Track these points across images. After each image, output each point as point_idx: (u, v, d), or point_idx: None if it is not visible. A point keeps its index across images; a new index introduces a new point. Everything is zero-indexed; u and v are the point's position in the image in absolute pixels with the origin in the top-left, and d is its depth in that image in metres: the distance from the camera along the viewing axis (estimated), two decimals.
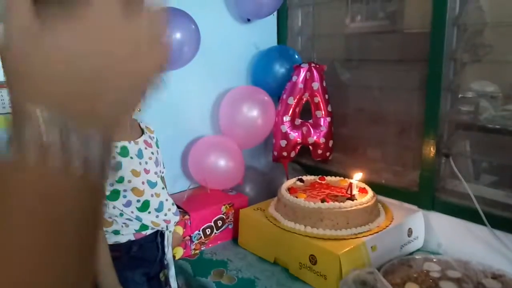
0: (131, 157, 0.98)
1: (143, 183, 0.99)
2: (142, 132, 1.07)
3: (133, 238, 0.99)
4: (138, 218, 0.99)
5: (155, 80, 0.32)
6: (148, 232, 1.01)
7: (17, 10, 0.29)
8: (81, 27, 0.28)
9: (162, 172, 1.13)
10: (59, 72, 0.28)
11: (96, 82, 0.29)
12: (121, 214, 0.97)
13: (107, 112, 0.31)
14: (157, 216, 1.03)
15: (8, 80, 0.29)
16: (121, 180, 0.95)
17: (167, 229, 1.06)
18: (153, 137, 1.12)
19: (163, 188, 1.07)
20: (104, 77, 0.30)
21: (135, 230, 0.99)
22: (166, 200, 1.06)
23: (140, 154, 1.00)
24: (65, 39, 0.28)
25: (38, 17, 0.28)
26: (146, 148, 1.03)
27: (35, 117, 0.27)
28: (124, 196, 0.97)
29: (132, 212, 0.97)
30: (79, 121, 0.28)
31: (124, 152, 0.97)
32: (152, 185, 1.02)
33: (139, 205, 0.98)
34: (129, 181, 0.96)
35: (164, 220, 1.05)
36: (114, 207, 0.96)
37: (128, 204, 0.97)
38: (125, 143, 0.98)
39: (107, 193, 0.96)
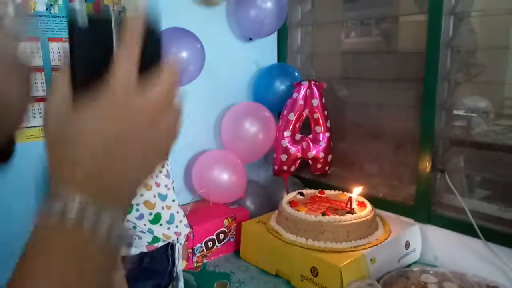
0: None
1: (154, 196, 1.02)
2: None
3: (145, 250, 1.02)
4: (150, 231, 1.01)
5: (173, 143, 0.38)
6: (160, 244, 1.04)
7: (57, 97, 0.34)
8: (105, 108, 0.33)
9: (173, 183, 1.15)
10: (90, 153, 0.33)
11: (120, 158, 0.34)
12: (134, 227, 1.00)
13: (131, 188, 0.36)
14: (168, 228, 1.05)
15: (49, 162, 0.34)
16: None
17: (178, 241, 1.08)
18: None
19: (173, 201, 1.09)
20: (129, 153, 0.34)
21: (147, 242, 1.02)
22: (177, 212, 1.09)
23: None
24: (93, 121, 0.33)
25: (73, 102, 0.34)
26: None
27: (72, 199, 0.32)
28: (137, 210, 1.00)
29: (144, 224, 1.00)
30: (108, 201, 0.33)
31: None
32: (163, 197, 1.05)
33: (151, 217, 1.01)
34: (141, 195, 1.00)
35: (175, 233, 1.07)
36: (128, 221, 0.99)
37: (140, 217, 1.00)
38: None
39: None
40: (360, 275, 1.09)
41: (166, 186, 1.07)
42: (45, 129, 0.35)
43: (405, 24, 1.47)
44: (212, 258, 1.35)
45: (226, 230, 1.37)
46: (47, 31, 1.15)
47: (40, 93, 1.15)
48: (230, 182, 1.42)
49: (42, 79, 1.16)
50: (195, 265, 1.31)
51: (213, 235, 1.34)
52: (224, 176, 1.41)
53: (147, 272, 1.02)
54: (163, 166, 1.01)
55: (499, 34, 1.24)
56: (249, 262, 1.32)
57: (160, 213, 1.03)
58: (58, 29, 1.17)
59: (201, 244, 1.31)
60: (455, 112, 1.28)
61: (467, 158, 1.30)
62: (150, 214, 1.01)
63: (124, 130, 0.34)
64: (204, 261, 1.33)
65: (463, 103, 1.28)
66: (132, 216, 0.99)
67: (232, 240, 1.39)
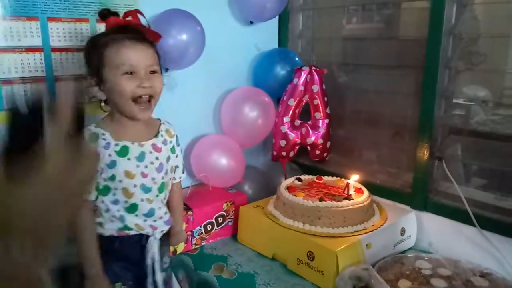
0: (129, 158, 0.98)
1: (135, 186, 0.99)
2: (157, 134, 1.05)
3: (115, 235, 1.00)
4: (121, 218, 0.99)
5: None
6: (132, 232, 1.01)
7: None
8: (36, 182, 0.41)
9: (173, 179, 1.12)
10: (22, 217, 0.41)
11: (45, 220, 0.42)
12: (107, 210, 0.98)
13: (51, 238, 0.44)
14: (144, 220, 1.02)
15: None
16: (112, 178, 0.96)
17: (152, 235, 1.04)
18: (171, 142, 1.09)
19: (157, 196, 1.04)
20: (52, 217, 0.43)
21: (118, 227, 1.00)
22: (159, 208, 1.05)
23: (141, 157, 0.99)
24: (27, 190, 0.41)
25: (9, 174, 0.40)
26: (151, 152, 1.01)
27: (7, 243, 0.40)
28: (114, 194, 0.98)
29: (118, 210, 0.98)
30: (30, 246, 0.41)
31: (123, 152, 0.98)
32: (146, 190, 1.01)
33: (126, 205, 0.99)
34: (120, 181, 0.97)
35: (151, 226, 1.03)
36: (102, 202, 0.98)
37: (115, 202, 0.98)
38: (127, 143, 0.98)
39: (100, 187, 0.97)
40: (356, 260, 1.10)
41: (153, 179, 1.02)
42: None
43: (407, 11, 1.45)
44: (210, 241, 1.36)
45: (225, 214, 1.38)
46: (46, 10, 1.14)
47: (39, 73, 1.15)
48: (228, 167, 1.43)
49: (41, 59, 1.15)
50: (193, 247, 1.32)
51: (212, 219, 1.35)
52: (223, 161, 1.42)
53: (118, 254, 1.01)
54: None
55: (501, 22, 1.22)
56: (246, 245, 1.33)
57: (138, 204, 1.00)
58: (58, 9, 1.15)
59: (200, 227, 1.33)
60: (454, 100, 1.27)
61: (465, 146, 1.30)
62: (126, 202, 0.99)
63: (50, 201, 0.42)
64: (202, 244, 1.34)
65: (463, 91, 1.27)
66: (107, 199, 0.98)
67: (230, 224, 1.40)
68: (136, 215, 1.01)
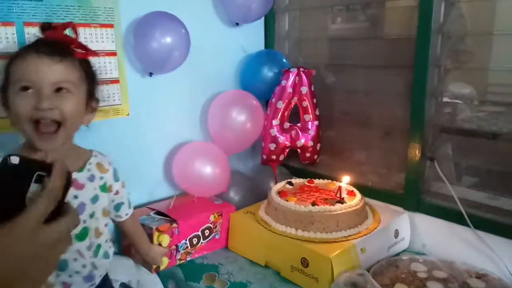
0: None
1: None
2: (82, 168, 0.91)
3: None
4: None
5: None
6: None
7: None
8: (9, 234, 0.42)
9: (118, 217, 1.03)
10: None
11: (17, 274, 0.43)
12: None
13: None
14: (57, 275, 0.87)
15: None
16: None
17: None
18: (101, 178, 0.94)
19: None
20: (23, 270, 0.43)
21: None
22: (75, 260, 0.88)
23: None
24: (5, 245, 0.42)
25: None
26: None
27: None
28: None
29: None
30: None
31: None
32: None
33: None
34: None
35: (63, 283, 0.88)
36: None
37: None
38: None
39: None
40: (351, 265, 1.08)
41: None
42: None
43: (392, 10, 1.44)
44: (196, 255, 1.28)
45: (212, 226, 1.30)
46: (23, 15, 1.09)
47: None
48: (213, 176, 1.37)
49: None
50: (177, 263, 1.25)
51: (198, 231, 1.28)
52: (207, 169, 1.35)
53: None
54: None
55: (484, 20, 1.22)
56: (237, 253, 1.30)
57: None
58: (35, 13, 1.10)
59: (186, 240, 1.25)
60: (444, 99, 1.26)
61: (455, 145, 1.29)
62: None
63: (27, 255, 0.43)
64: (187, 258, 1.27)
65: (452, 90, 1.26)
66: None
67: (217, 237, 1.32)
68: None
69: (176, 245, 1.23)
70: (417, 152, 1.26)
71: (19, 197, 0.44)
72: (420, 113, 1.24)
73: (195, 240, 1.27)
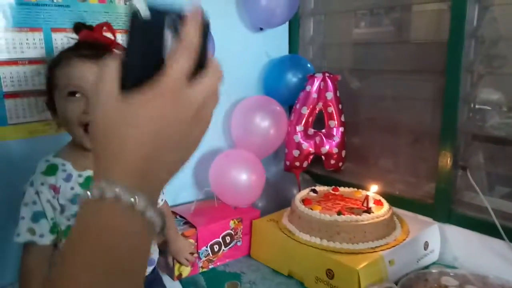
0: None
1: None
2: None
3: None
4: None
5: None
6: None
7: (105, 87, 0.36)
8: (157, 97, 0.35)
9: None
10: (138, 140, 0.35)
11: (164, 147, 0.36)
12: None
13: (168, 174, 0.38)
14: None
15: (94, 153, 0.37)
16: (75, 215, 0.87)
17: None
18: None
19: None
20: (172, 142, 0.36)
21: None
22: None
23: None
24: (145, 108, 0.35)
25: (123, 93, 0.35)
26: None
27: (112, 191, 0.34)
28: None
29: None
30: (145, 186, 0.35)
31: (88, 183, 0.86)
32: None
33: None
34: None
35: None
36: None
37: None
38: (92, 173, 0.85)
39: (62, 227, 0.86)
40: (378, 278, 1.04)
41: None
42: (95, 114, 0.36)
43: (419, 14, 1.40)
44: (218, 263, 1.26)
45: (233, 233, 1.28)
46: (50, 21, 1.10)
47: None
48: (249, 184, 1.31)
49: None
50: (200, 270, 1.23)
51: (219, 238, 1.25)
52: (243, 177, 1.31)
53: None
54: None
55: None
56: (260, 261, 1.27)
57: None
58: (62, 19, 1.11)
59: (207, 247, 1.23)
60: (477, 106, 1.21)
61: (489, 154, 1.24)
62: None
63: (172, 120, 0.36)
64: (210, 266, 1.25)
65: (485, 96, 1.21)
66: None
67: (239, 244, 1.30)
68: None
69: (198, 252, 1.21)
70: (448, 160, 1.21)
71: (155, 53, 0.36)
72: (452, 119, 1.19)
73: (216, 247, 1.26)
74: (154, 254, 1.02)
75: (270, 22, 1.48)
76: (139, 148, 0.35)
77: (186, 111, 0.36)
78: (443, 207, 1.24)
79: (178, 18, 0.36)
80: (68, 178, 0.87)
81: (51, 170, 0.86)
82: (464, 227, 1.21)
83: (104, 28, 0.90)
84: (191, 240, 1.18)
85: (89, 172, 0.88)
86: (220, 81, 0.39)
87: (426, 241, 1.19)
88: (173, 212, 1.29)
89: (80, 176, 0.88)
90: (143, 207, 0.34)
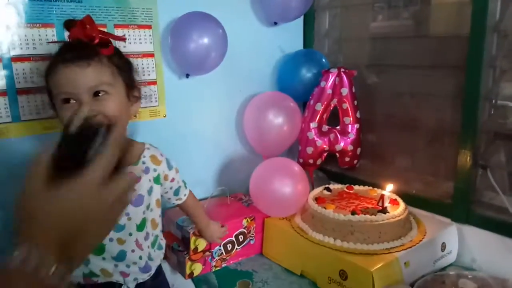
0: None
1: None
2: (137, 161, 0.93)
3: (82, 282, 0.88)
4: (86, 262, 0.87)
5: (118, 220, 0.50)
6: (100, 280, 0.89)
7: (36, 175, 0.44)
8: (77, 188, 0.44)
9: (178, 200, 1.05)
10: (54, 221, 0.43)
11: (77, 230, 0.44)
12: None
13: (85, 252, 0.47)
14: (115, 265, 0.89)
15: (21, 223, 0.43)
16: None
17: (124, 283, 0.91)
18: (155, 170, 0.95)
19: (130, 235, 0.89)
20: (83, 227, 0.44)
21: (83, 273, 0.88)
22: (133, 251, 0.90)
23: None
24: (67, 200, 0.44)
25: (51, 181, 0.44)
26: None
27: (32, 252, 0.40)
28: None
29: None
30: (59, 259, 0.42)
31: None
32: (116, 227, 0.87)
33: None
34: None
35: (121, 272, 0.90)
36: None
37: None
38: None
39: None
40: (393, 280, 1.01)
41: (127, 214, 0.89)
42: (23, 198, 0.44)
43: (439, 6, 1.35)
44: (231, 262, 1.25)
45: (246, 231, 1.26)
46: (62, 17, 1.09)
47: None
48: (293, 195, 1.24)
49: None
50: (213, 269, 1.22)
51: (232, 237, 1.24)
52: (288, 189, 1.23)
53: None
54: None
55: None
56: (272, 260, 1.26)
57: (105, 245, 0.87)
58: (74, 15, 1.10)
59: (220, 246, 1.21)
60: (499, 103, 1.16)
61: (511, 153, 1.19)
62: None
63: (88, 206, 0.44)
64: (223, 265, 1.24)
65: (506, 93, 1.16)
66: None
67: (252, 242, 1.28)
68: (104, 258, 0.88)
69: (211, 251, 1.20)
70: (468, 159, 1.17)
71: (81, 156, 0.45)
72: (472, 117, 1.15)
73: (229, 246, 1.24)
74: (156, 260, 0.99)
75: (285, 16, 1.45)
76: (59, 223, 0.43)
77: (100, 202, 0.45)
78: (462, 207, 1.20)
79: (105, 133, 0.47)
80: None
81: None
82: (483, 228, 1.17)
83: (87, 26, 0.84)
84: (222, 227, 1.19)
85: None
86: (131, 188, 0.49)
87: (444, 242, 1.16)
88: None
89: None
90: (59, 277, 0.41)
